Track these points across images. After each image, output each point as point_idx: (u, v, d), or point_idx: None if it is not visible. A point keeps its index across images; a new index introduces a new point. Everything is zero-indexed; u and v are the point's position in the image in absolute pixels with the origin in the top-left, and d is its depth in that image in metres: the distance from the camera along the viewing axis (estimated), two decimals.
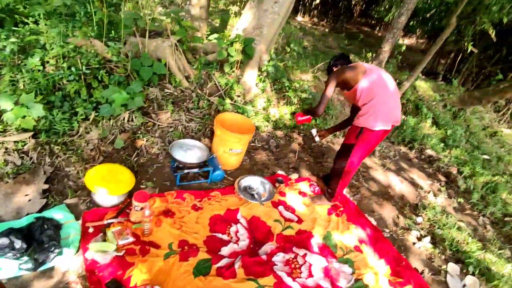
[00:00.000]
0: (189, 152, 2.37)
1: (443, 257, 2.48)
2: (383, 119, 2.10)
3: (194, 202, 2.26)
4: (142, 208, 1.89)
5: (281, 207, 2.46)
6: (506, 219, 3.27)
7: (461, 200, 3.35)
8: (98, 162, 2.25)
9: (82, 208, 1.94)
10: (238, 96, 3.57)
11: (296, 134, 3.53)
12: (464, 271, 2.40)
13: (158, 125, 2.78)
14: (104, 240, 1.76)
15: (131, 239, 1.80)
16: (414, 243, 2.55)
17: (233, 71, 3.62)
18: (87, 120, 2.48)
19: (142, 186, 2.25)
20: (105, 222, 1.86)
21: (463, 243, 2.63)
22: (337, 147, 3.56)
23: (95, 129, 2.39)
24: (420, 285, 2.14)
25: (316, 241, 2.26)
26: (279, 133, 3.42)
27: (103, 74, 2.63)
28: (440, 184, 3.59)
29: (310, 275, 1.98)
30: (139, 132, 2.61)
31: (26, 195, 1.86)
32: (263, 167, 2.89)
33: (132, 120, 2.65)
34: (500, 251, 2.71)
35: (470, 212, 3.24)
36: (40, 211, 1.82)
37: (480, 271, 2.39)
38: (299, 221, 2.39)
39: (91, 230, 1.81)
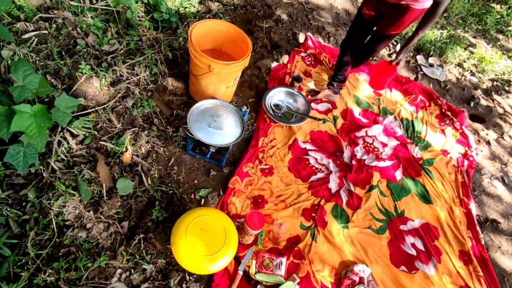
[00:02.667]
0: (225, 125, 1.60)
1: (411, 54, 2.91)
2: None
3: (257, 168, 1.79)
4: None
5: (313, 104, 2.20)
6: None
7: None
8: (128, 234, 1.35)
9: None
10: None
11: None
12: (426, 56, 2.94)
13: (103, 108, 1.61)
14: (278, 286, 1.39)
15: (284, 259, 1.47)
16: (389, 55, 2.84)
17: None
18: None
19: (197, 199, 1.58)
20: (241, 273, 1.39)
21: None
22: None
23: (60, 199, 1.24)
24: (422, 90, 2.61)
25: (357, 112, 2.28)
26: (224, 7, 2.46)
27: None
28: None
29: (384, 144, 2.14)
30: (101, 144, 1.50)
31: None
32: (256, 71, 2.25)
33: (73, 135, 1.43)
34: None
35: None
36: None
37: (430, 48, 2.97)
38: (334, 105, 2.25)
39: None
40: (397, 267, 1.63)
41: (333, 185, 1.84)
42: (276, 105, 2.08)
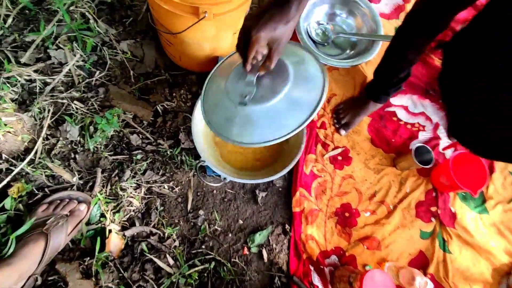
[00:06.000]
0: (277, 80, 0.67)
1: None
2: None
3: (324, 158, 1.08)
4: None
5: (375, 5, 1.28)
6: None
7: None
8: None
9: None
10: None
11: None
12: None
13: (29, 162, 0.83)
14: None
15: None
16: None
17: None
18: None
19: (255, 253, 0.95)
20: None
21: None
22: None
23: None
24: None
25: None
26: None
27: None
28: None
29: None
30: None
31: None
32: None
33: None
34: None
35: None
36: None
37: None
38: None
39: None
40: None
41: (446, 144, 1.15)
42: (319, 30, 1.19)
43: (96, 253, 0.77)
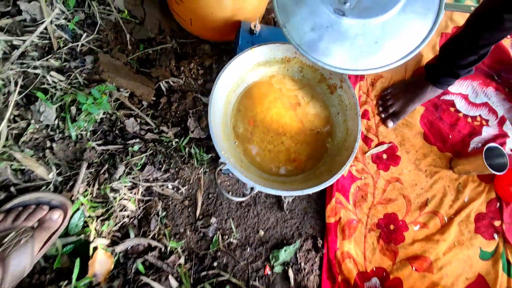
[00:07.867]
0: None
1: None
2: None
3: (365, 156, 0.88)
4: None
5: None
6: None
7: None
8: None
9: None
10: None
11: None
12: None
13: None
14: None
15: None
16: None
17: None
18: None
19: (278, 272, 0.77)
20: None
21: None
22: None
23: None
24: None
25: None
26: None
27: None
28: None
29: None
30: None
31: None
32: None
33: None
34: None
35: None
36: None
37: None
38: None
39: None
40: None
41: None
42: None
43: (74, 281, 0.57)
